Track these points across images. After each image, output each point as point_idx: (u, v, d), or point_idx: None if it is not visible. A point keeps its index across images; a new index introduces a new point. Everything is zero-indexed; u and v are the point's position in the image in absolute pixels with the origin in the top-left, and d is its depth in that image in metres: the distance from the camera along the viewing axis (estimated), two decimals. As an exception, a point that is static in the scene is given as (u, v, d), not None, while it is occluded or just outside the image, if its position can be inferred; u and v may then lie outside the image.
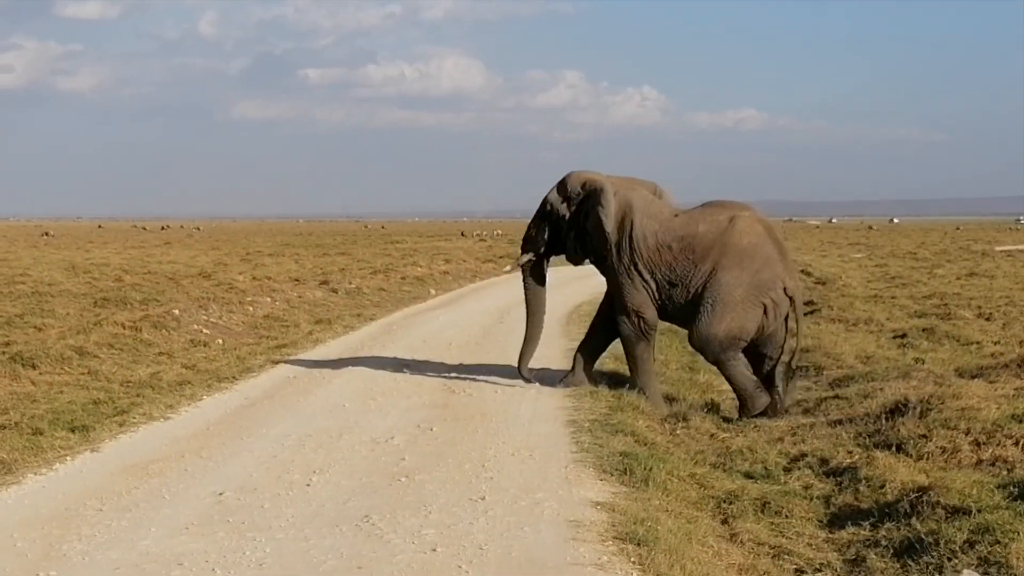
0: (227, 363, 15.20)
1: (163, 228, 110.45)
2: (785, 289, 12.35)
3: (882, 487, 8.53)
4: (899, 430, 9.88)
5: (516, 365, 13.51)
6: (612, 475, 8.89)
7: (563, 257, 13.67)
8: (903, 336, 17.07)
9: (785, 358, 12.67)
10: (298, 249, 51.43)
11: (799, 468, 9.50)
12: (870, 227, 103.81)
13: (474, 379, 13.67)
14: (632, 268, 12.68)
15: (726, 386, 13.77)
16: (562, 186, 13.36)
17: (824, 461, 9.55)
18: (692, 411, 11.88)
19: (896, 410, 10.46)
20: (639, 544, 7.03)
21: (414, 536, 7.23)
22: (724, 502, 8.54)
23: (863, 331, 17.70)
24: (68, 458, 9.66)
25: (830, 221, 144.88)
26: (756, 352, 12.65)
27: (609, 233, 12.69)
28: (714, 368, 13.59)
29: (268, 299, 23.18)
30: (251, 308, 21.49)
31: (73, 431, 10.70)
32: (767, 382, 12.54)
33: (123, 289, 24.03)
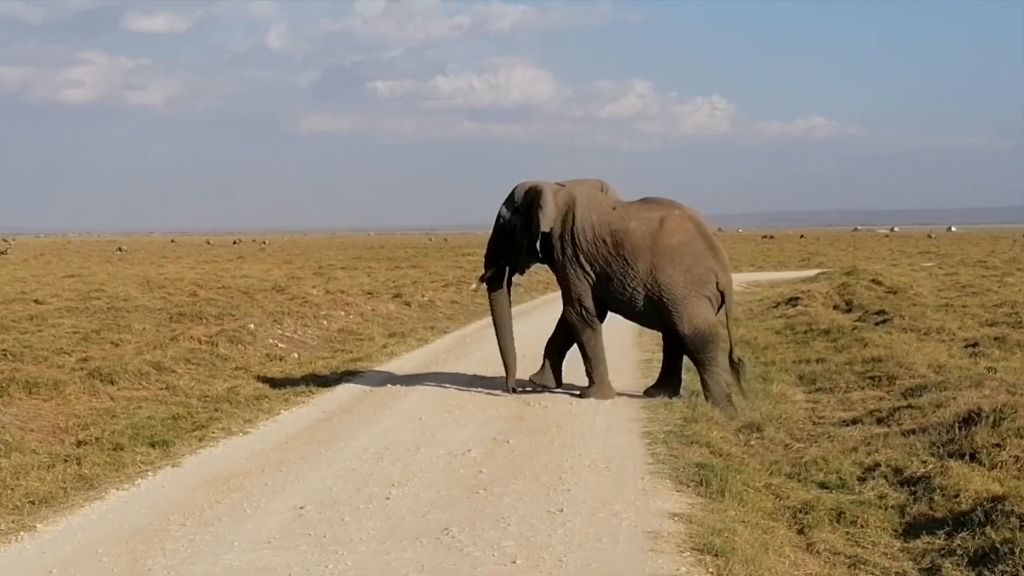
0: (303, 377, 15.35)
1: (235, 243, 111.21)
2: (717, 284, 12.93)
3: (956, 496, 8.49)
4: (973, 439, 9.83)
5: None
6: (688, 486, 8.93)
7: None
8: (975, 345, 16.92)
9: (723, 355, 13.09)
10: (370, 262, 51.70)
11: (873, 478, 9.46)
12: (929, 235, 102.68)
13: (548, 391, 13.74)
14: (574, 259, 13.18)
15: (800, 396, 13.78)
16: (510, 199, 13.80)
17: (898, 471, 9.51)
18: (766, 422, 11.88)
19: (969, 419, 10.39)
20: (716, 555, 7.07)
21: (494, 548, 7.30)
22: (799, 512, 8.53)
23: (935, 340, 17.57)
24: (149, 473, 9.80)
25: (891, 230, 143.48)
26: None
27: (547, 231, 13.17)
28: (787, 378, 13.55)
29: (342, 313, 23.36)
30: (325, 322, 21.68)
31: (153, 446, 10.86)
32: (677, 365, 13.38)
33: (198, 304, 24.25)
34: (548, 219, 13.16)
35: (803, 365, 16.09)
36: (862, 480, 9.48)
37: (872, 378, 14.40)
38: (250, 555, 7.31)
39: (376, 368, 16.30)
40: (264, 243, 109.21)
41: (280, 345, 18.80)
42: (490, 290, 14.11)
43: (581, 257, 13.10)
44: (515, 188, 13.79)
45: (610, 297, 13.11)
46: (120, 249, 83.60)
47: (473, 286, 15.46)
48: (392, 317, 24.27)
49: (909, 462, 9.63)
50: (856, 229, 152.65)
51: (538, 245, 13.26)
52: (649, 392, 13.26)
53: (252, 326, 19.35)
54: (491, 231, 14.08)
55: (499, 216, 13.81)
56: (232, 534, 7.80)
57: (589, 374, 13.39)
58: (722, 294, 12.97)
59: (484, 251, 14.31)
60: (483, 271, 14.14)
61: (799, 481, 9.54)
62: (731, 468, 9.41)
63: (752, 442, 11.15)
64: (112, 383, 14.10)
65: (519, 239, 13.58)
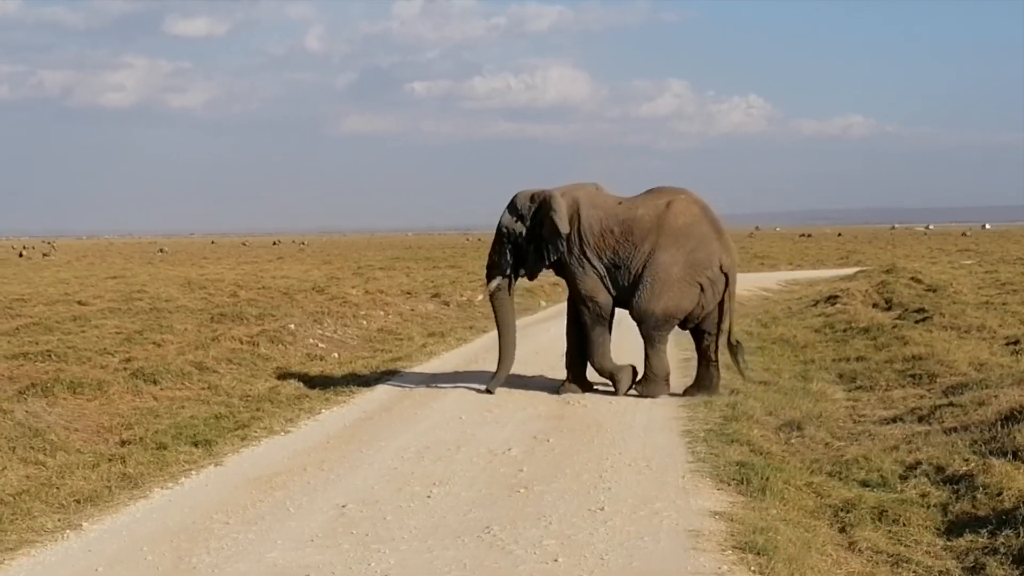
0: (343, 376, 15.42)
1: (274, 243, 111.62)
2: (721, 267, 13.13)
3: (999, 494, 8.44)
4: (1015, 437, 9.77)
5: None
6: (729, 485, 8.93)
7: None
8: (1016, 343, 16.79)
9: (723, 337, 13.29)
10: (408, 262, 51.83)
11: (915, 476, 9.42)
12: (964, 233, 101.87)
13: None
14: (583, 256, 13.39)
15: (840, 394, 13.74)
16: (513, 208, 13.89)
17: (940, 469, 9.46)
18: (806, 420, 11.86)
19: (1011, 417, 10.34)
20: (759, 553, 7.07)
21: (535, 547, 7.32)
22: (841, 511, 8.51)
23: (975, 338, 17.46)
24: (193, 472, 9.88)
25: (927, 228, 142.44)
26: (697, 329, 13.46)
27: (564, 232, 13.29)
28: (827, 376, 13.48)
29: (381, 313, 23.44)
30: (365, 322, 21.77)
31: (196, 445, 10.94)
32: (706, 357, 13.42)
33: (239, 304, 24.37)
34: (564, 221, 13.33)
35: (843, 363, 16.04)
36: (904, 478, 9.44)
37: (913, 376, 14.35)
38: (293, 553, 7.37)
39: (415, 367, 16.35)
40: (303, 244, 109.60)
41: (320, 345, 18.88)
42: (495, 300, 14.21)
43: (588, 252, 13.34)
44: (516, 197, 13.92)
45: (618, 287, 13.33)
46: (161, 250, 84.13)
47: (480, 297, 15.53)
48: (431, 317, 24.33)
49: (951, 460, 9.58)
50: (894, 227, 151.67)
51: (562, 245, 13.36)
52: (688, 391, 13.28)
53: (292, 326, 19.45)
54: (492, 243, 14.21)
55: (502, 227, 13.89)
56: (275, 532, 7.86)
57: (597, 370, 13.65)
58: (726, 276, 13.17)
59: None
60: (489, 282, 14.19)
61: (840, 479, 9.51)
62: (772, 466, 9.40)
63: (793, 440, 11.12)
64: (155, 383, 14.21)
65: (525, 246, 13.73)
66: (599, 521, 7.91)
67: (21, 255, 74.37)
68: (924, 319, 19.56)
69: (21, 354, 16.17)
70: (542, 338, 19.29)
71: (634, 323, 13.45)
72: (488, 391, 13.61)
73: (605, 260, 13.30)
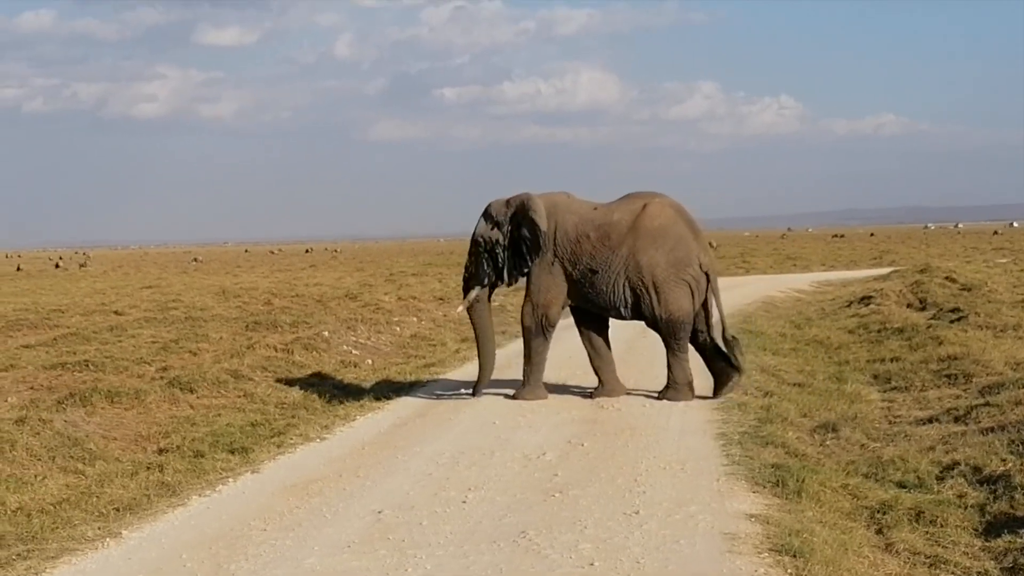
0: (378, 383, 15.47)
1: (307, 251, 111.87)
2: (700, 265, 13.24)
3: (1038, 495, 8.46)
4: (1053, 437, 9.77)
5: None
6: (764, 487, 8.92)
7: None
8: (1052, 342, 16.75)
9: (715, 332, 13.27)
10: (440, 268, 51.83)
11: (952, 477, 9.40)
12: (995, 232, 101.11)
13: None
14: (554, 262, 13.44)
15: (875, 395, 13.72)
16: (488, 216, 13.91)
17: (977, 469, 9.44)
18: (841, 421, 11.84)
19: (1050, 416, 10.33)
20: (795, 556, 7.07)
21: (571, 551, 7.34)
22: (878, 512, 8.50)
23: (1011, 337, 17.35)
24: (230, 479, 9.96)
25: (956, 226, 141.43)
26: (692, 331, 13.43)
27: (544, 229, 13.36)
28: (862, 377, 13.42)
29: (414, 319, 23.50)
30: (398, 328, 21.83)
31: (233, 453, 11.04)
32: (704, 353, 13.45)
33: (273, 312, 24.44)
34: (544, 219, 13.40)
35: (877, 364, 16.00)
36: (940, 479, 9.42)
37: (948, 376, 14.29)
38: (330, 559, 7.41)
39: (449, 373, 16.39)
40: (336, 251, 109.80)
41: (354, 352, 18.95)
42: (473, 311, 14.20)
43: (564, 259, 13.40)
44: (489, 205, 13.96)
45: (595, 291, 13.34)
46: (195, 260, 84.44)
47: (460, 308, 15.52)
48: (464, 322, 24.29)
49: (988, 460, 9.56)
50: (927, 226, 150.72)
51: (544, 244, 13.39)
52: (716, 393, 13.30)
53: (326, 333, 19.52)
54: (467, 255, 14.23)
55: (478, 236, 13.90)
56: (312, 539, 7.91)
57: (526, 375, 13.65)
58: (706, 274, 13.27)
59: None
60: (467, 293, 14.17)
61: (876, 481, 9.50)
62: (807, 468, 9.38)
63: (828, 442, 11.11)
64: (191, 391, 14.30)
65: (503, 253, 13.73)
66: (634, 525, 7.92)
67: (57, 266, 74.79)
68: (959, 319, 19.46)
69: (59, 364, 16.27)
70: (574, 342, 19.29)
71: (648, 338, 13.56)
72: (473, 395, 13.73)
73: (581, 266, 13.31)
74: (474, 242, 13.95)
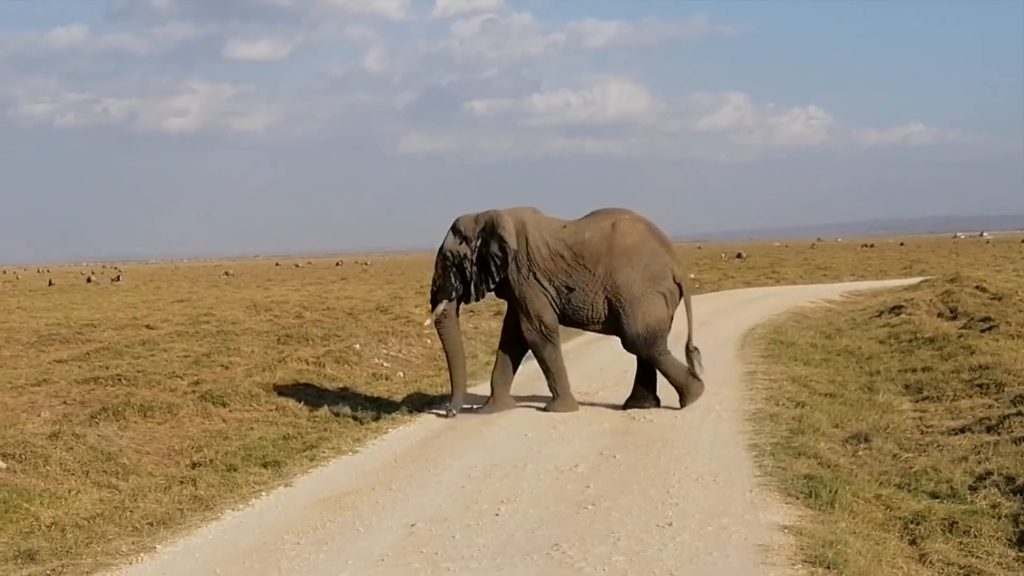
0: (409, 395, 15.50)
1: (337, 264, 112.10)
2: (674, 277, 13.44)
3: (1073, 505, 8.42)
4: (1086, 446, 9.72)
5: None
6: (797, 498, 8.89)
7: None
8: (1085, 351, 16.64)
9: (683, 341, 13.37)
10: (469, 280, 51.86)
11: (985, 487, 9.36)
12: (1023, 241, 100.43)
13: (652, 407, 13.70)
14: (531, 276, 13.51)
15: (907, 405, 13.67)
16: (456, 232, 13.94)
17: (1010, 479, 9.40)
18: (873, 432, 11.80)
19: (1082, 426, 10.29)
20: (829, 567, 7.04)
21: (604, 563, 7.33)
22: (911, 523, 8.48)
23: (1043, 347, 17.29)
24: (263, 493, 9.95)
25: (981, 235, 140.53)
26: None
27: (513, 248, 13.44)
28: (893, 387, 13.36)
29: (445, 331, 23.50)
30: (429, 341, 21.82)
31: (266, 466, 11.06)
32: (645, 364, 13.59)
33: (304, 326, 24.56)
34: (513, 237, 13.46)
35: (909, 374, 15.93)
36: (973, 489, 9.39)
37: (980, 386, 14.22)
38: (364, 573, 7.43)
39: (481, 386, 16.37)
40: (366, 264, 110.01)
41: (385, 364, 19.01)
42: (441, 326, 14.18)
43: (538, 273, 13.44)
44: (458, 220, 13.99)
45: (572, 307, 13.45)
46: (226, 273, 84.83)
47: (427, 322, 15.52)
48: (494, 334, 24.27)
49: (1021, 470, 9.52)
50: (957, 236, 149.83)
51: (511, 263, 13.46)
52: (628, 404, 13.55)
53: (358, 346, 19.59)
54: (435, 269, 14.18)
55: (445, 251, 13.93)
56: (346, 552, 7.92)
57: (552, 388, 13.67)
58: (679, 286, 13.45)
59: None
60: (434, 306, 14.15)
61: (909, 491, 9.48)
62: (840, 479, 9.35)
63: (860, 452, 11.08)
64: (224, 405, 14.37)
65: (470, 268, 13.76)
66: (667, 537, 7.90)
67: (89, 280, 75.23)
68: (990, 328, 19.38)
69: (92, 379, 16.39)
70: (606, 353, 19.29)
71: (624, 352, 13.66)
72: (452, 414, 13.59)
73: (557, 283, 13.40)
74: (442, 256, 14.00)
